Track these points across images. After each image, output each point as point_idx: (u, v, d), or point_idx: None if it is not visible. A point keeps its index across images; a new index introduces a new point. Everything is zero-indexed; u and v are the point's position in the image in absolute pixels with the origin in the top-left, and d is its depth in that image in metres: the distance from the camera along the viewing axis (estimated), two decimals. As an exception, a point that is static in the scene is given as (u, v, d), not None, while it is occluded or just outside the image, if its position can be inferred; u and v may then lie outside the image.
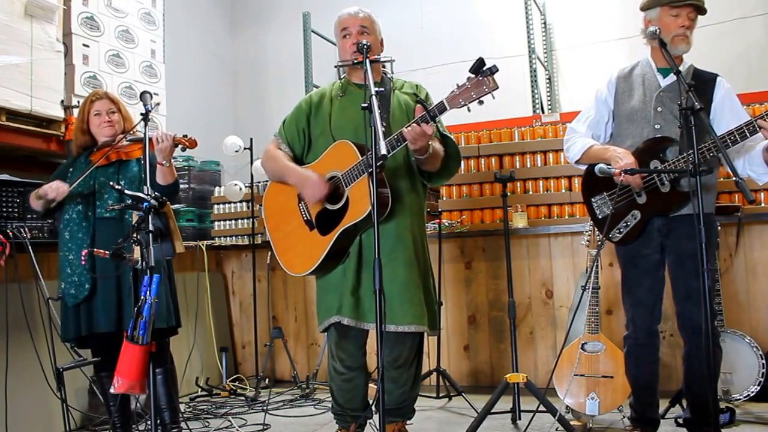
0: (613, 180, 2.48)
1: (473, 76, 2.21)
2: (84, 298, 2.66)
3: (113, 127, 2.84)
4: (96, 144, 2.88)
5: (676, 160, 2.42)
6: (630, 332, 2.65)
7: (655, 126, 2.52)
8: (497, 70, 2.18)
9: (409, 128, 2.30)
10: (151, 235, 2.14)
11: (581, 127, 2.71)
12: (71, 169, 2.83)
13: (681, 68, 2.53)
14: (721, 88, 2.52)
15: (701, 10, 2.51)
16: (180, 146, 2.69)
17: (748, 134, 2.30)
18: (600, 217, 2.64)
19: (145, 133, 2.43)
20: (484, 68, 2.19)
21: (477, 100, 2.21)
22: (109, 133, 2.84)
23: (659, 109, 2.52)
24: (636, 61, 2.68)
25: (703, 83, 2.49)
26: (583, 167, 2.70)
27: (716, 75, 2.56)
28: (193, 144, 2.69)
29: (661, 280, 2.59)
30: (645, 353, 2.62)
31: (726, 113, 2.47)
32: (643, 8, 2.59)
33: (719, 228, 3.23)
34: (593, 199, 2.66)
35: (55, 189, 2.69)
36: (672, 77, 2.52)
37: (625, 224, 2.56)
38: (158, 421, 2.67)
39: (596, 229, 2.70)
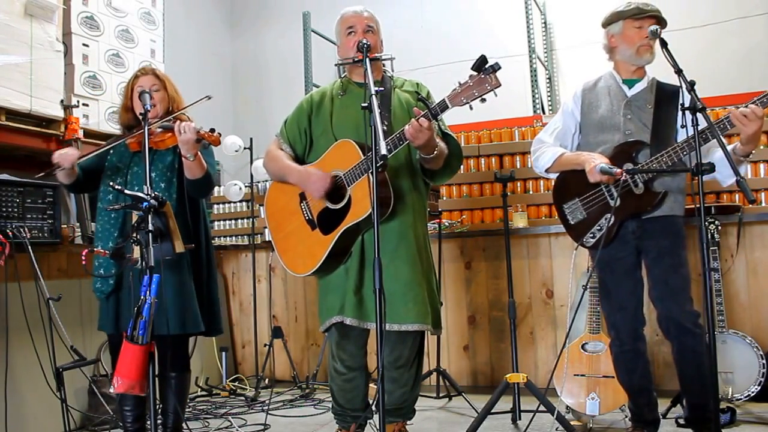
0: (584, 186, 2.55)
1: (475, 73, 2.20)
2: (110, 292, 2.56)
3: (154, 107, 2.62)
4: (140, 123, 2.66)
5: (648, 162, 2.47)
6: (614, 338, 2.63)
7: (626, 132, 2.57)
8: (500, 68, 2.17)
9: (409, 126, 2.30)
10: (150, 234, 2.12)
11: (549, 138, 2.76)
12: (111, 151, 2.71)
13: (644, 81, 2.65)
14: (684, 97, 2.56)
15: (662, 22, 2.58)
16: (203, 141, 2.51)
17: (728, 126, 2.38)
18: (572, 222, 2.67)
19: (144, 133, 2.40)
20: (487, 65, 2.18)
21: (479, 98, 2.20)
22: (149, 114, 2.62)
23: (628, 116, 2.58)
24: (598, 76, 2.75)
25: (667, 95, 2.58)
26: (553, 176, 2.76)
27: (678, 87, 2.58)
28: (216, 141, 2.51)
29: (640, 282, 2.60)
30: (632, 358, 2.60)
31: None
32: (605, 24, 2.70)
33: (720, 227, 3.24)
34: (565, 206, 2.69)
35: (62, 155, 2.57)
36: (637, 88, 2.64)
37: (598, 228, 2.57)
38: (159, 422, 2.65)
39: (570, 235, 2.71)
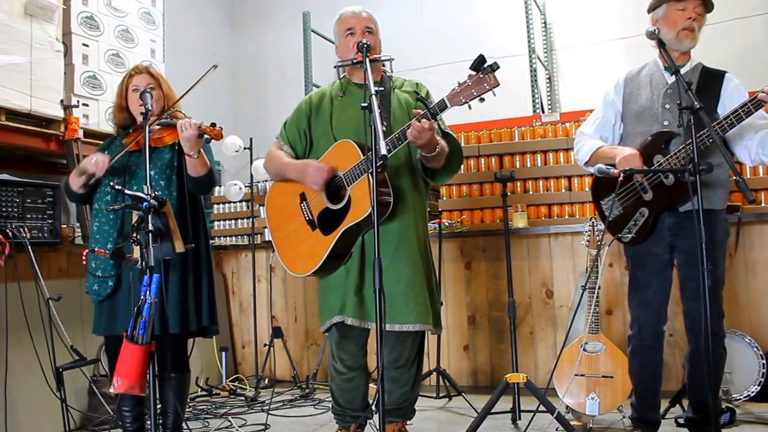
0: (618, 181, 2.48)
1: (474, 73, 2.21)
2: (107, 295, 2.53)
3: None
4: (135, 123, 2.70)
5: (676, 151, 2.43)
6: (635, 332, 2.63)
7: (664, 123, 2.53)
8: (498, 67, 2.17)
9: (410, 128, 2.30)
10: (150, 234, 2.12)
11: (589, 129, 2.73)
12: (106, 152, 2.68)
13: (688, 65, 2.58)
14: (730, 82, 2.55)
15: (708, 5, 2.53)
16: (205, 136, 2.48)
17: (743, 115, 2.32)
18: (611, 219, 2.62)
19: (145, 133, 2.39)
20: (485, 65, 2.18)
21: (478, 98, 2.21)
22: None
23: (667, 106, 2.54)
24: (644, 64, 2.69)
25: (711, 79, 2.53)
26: (592, 169, 2.70)
27: (725, 72, 2.58)
28: (218, 135, 2.48)
29: (669, 280, 2.59)
30: (649, 354, 2.61)
31: (736, 104, 2.45)
32: (650, 9, 2.63)
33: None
34: (602, 202, 2.65)
35: (96, 162, 2.53)
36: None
37: (633, 223, 2.54)
38: (160, 422, 2.65)
39: (609, 232, 2.65)
